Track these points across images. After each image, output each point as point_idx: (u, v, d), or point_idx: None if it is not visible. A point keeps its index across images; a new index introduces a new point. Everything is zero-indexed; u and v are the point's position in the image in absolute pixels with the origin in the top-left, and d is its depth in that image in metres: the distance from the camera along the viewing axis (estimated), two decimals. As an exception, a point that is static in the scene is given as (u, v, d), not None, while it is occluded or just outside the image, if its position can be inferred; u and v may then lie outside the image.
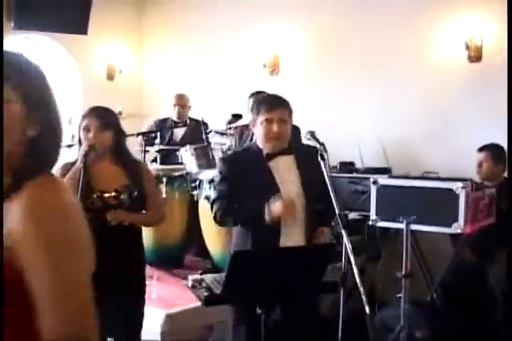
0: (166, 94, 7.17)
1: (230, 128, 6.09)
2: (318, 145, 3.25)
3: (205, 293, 3.05)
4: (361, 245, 5.36)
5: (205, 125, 6.25)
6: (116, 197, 3.30)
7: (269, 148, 3.37)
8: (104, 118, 3.40)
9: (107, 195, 3.29)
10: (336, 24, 6.75)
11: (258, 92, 5.58)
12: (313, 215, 3.39)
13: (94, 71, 8.23)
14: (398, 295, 3.85)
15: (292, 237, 3.34)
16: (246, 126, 5.37)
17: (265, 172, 3.31)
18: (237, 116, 6.40)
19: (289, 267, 2.92)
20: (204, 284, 3.16)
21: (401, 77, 6.30)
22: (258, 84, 6.55)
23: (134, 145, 5.43)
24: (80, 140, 3.43)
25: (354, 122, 6.56)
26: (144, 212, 3.52)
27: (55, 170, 3.03)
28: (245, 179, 3.29)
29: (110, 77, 8.39)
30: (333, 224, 3.67)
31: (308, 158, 3.33)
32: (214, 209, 3.37)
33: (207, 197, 5.27)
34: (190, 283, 3.21)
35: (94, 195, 3.28)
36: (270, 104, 3.33)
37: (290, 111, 3.42)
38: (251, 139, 5.45)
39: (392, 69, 6.34)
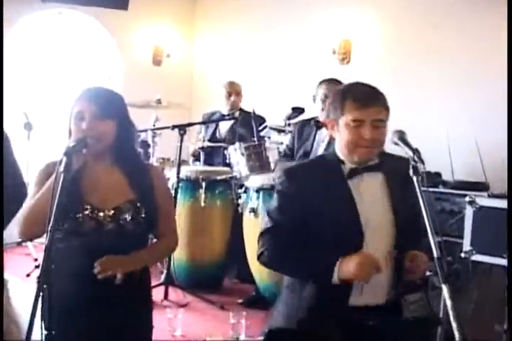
0: (218, 84, 6.39)
1: (289, 124, 5.40)
2: (410, 153, 2.29)
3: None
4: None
5: (260, 118, 5.31)
6: (114, 218, 2.37)
7: (355, 161, 2.46)
8: (104, 102, 2.42)
9: (101, 213, 2.38)
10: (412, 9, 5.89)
11: (331, 80, 4.61)
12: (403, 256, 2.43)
13: (137, 54, 7.58)
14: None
15: (369, 293, 2.40)
16: (308, 121, 4.72)
17: (344, 197, 2.43)
18: (298, 110, 5.63)
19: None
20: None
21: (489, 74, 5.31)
22: (325, 73, 5.61)
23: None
24: (70, 132, 2.45)
25: (438, 122, 5.55)
26: (151, 237, 2.57)
27: (37, 173, 2.42)
28: (315, 206, 2.39)
29: (156, 61, 7.67)
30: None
31: (399, 174, 2.44)
32: (261, 247, 2.46)
33: (253, 210, 4.47)
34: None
35: (86, 212, 2.35)
36: (362, 98, 2.40)
37: (387, 109, 2.45)
38: (313, 139, 4.66)
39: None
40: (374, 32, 6.29)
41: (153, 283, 4.56)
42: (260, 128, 5.40)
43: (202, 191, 4.89)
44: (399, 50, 6.06)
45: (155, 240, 2.58)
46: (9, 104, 6.39)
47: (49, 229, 2.02)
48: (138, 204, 2.40)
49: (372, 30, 6.29)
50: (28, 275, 5.31)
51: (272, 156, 4.97)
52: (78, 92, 2.44)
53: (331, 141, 4.53)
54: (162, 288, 4.75)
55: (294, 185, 2.45)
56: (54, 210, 2.05)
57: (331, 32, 6.48)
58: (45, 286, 1.97)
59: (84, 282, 2.29)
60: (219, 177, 5.03)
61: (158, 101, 5.40)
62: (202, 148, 5.51)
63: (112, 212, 2.36)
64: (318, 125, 4.61)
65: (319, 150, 4.59)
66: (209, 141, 5.67)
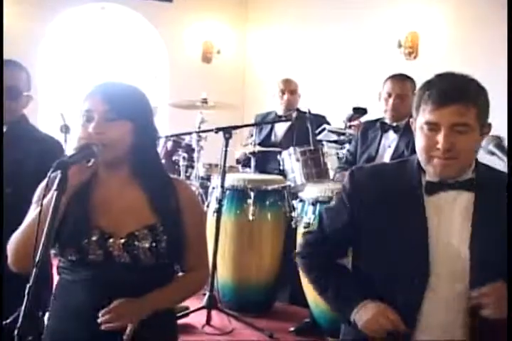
0: (272, 82, 6.04)
1: (350, 126, 4.93)
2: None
3: None
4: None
5: (319, 118, 4.85)
6: (128, 247, 1.92)
7: (432, 173, 1.97)
8: (118, 99, 1.95)
9: (112, 240, 1.92)
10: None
11: (396, 76, 4.22)
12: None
13: (186, 51, 7.22)
14: None
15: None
16: (373, 123, 4.33)
17: (414, 217, 1.97)
18: (360, 111, 5.06)
19: None
20: None
21: None
22: (390, 69, 5.12)
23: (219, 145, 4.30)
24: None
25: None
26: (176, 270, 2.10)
27: (38, 188, 1.99)
28: (373, 221, 2.01)
29: (206, 58, 7.27)
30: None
31: (496, 195, 1.94)
32: (301, 247, 2.26)
33: (308, 225, 3.91)
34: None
35: (93, 238, 1.90)
36: (440, 94, 1.88)
37: (479, 109, 1.88)
38: (378, 143, 4.25)
39: None
40: (440, 24, 5.87)
41: (194, 306, 4.14)
42: (318, 130, 4.91)
43: (250, 202, 4.34)
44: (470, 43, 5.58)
45: (180, 273, 2.09)
46: (46, 105, 6.03)
47: (35, 263, 1.59)
48: (159, 231, 1.93)
49: (439, 22, 5.88)
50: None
51: (331, 163, 4.57)
52: (89, 87, 1.97)
53: (399, 145, 4.08)
54: (204, 312, 4.24)
55: (356, 190, 2.08)
56: (43, 239, 1.61)
57: (396, 24, 6.06)
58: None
59: (89, 325, 1.84)
60: (270, 187, 4.46)
61: (204, 101, 4.88)
62: (253, 154, 5.01)
63: (125, 239, 1.90)
64: (385, 127, 4.19)
65: (385, 156, 4.18)
66: (262, 145, 5.18)
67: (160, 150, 5.12)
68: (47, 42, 6.07)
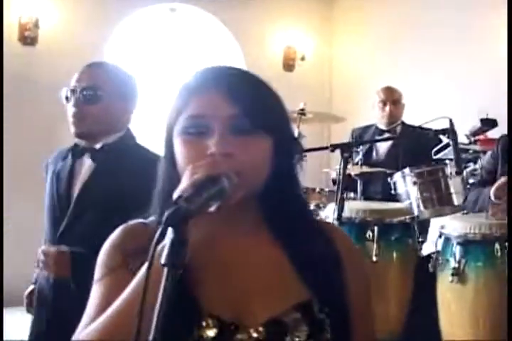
0: (362, 93, 5.83)
1: (475, 141, 4.47)
2: None
3: None
4: None
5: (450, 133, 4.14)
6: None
7: None
8: (249, 99, 1.20)
9: (240, 335, 1.14)
10: None
11: None
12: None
13: (265, 57, 6.70)
14: None
15: None
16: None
17: None
18: (488, 123, 4.54)
19: None
20: None
21: None
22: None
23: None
24: (172, 167, 1.27)
25: None
26: None
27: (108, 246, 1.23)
28: None
29: (288, 66, 6.71)
30: None
31: None
32: None
33: (456, 272, 3.03)
34: None
35: (208, 333, 1.13)
36: None
37: None
38: None
39: None
40: None
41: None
42: (438, 147, 4.22)
43: (374, 239, 3.53)
44: None
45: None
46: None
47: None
48: (315, 312, 1.20)
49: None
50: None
51: (455, 186, 3.80)
52: (186, 78, 1.24)
53: None
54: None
55: None
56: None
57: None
58: None
59: None
60: (396, 220, 3.61)
61: (302, 112, 4.08)
62: (360, 175, 4.30)
63: (264, 331, 1.16)
64: None
65: None
66: (366, 164, 4.51)
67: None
68: (113, 46, 5.72)
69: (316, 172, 4.67)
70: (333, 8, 7.12)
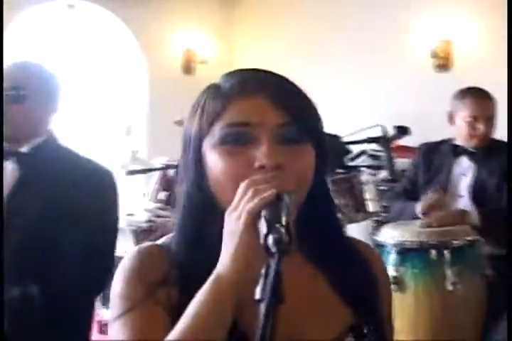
0: None
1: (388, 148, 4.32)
2: None
3: None
4: None
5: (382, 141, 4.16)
6: None
7: None
8: (296, 105, 1.09)
9: None
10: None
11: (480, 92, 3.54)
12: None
13: (165, 59, 6.52)
14: None
15: None
16: (437, 146, 3.68)
17: None
18: (402, 130, 4.42)
19: None
20: None
21: None
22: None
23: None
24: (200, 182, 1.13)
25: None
26: None
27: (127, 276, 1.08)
28: None
29: (188, 69, 6.56)
30: None
31: None
32: None
33: (395, 281, 2.92)
34: None
35: None
36: None
37: None
38: (448, 171, 3.57)
39: None
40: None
41: None
42: (355, 154, 4.36)
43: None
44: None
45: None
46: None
47: None
48: (365, 332, 1.15)
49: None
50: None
51: (369, 192, 3.91)
52: (215, 81, 1.14)
53: (479, 174, 3.43)
54: None
55: None
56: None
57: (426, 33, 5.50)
58: None
59: None
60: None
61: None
62: None
63: None
64: (457, 152, 3.53)
65: (460, 185, 3.49)
66: None
67: (157, 179, 4.20)
68: (6, 45, 5.27)
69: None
70: (235, 10, 6.99)
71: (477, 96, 3.46)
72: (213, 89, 1.08)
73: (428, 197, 3.24)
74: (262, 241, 0.85)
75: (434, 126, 4.42)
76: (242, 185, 0.95)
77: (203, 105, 1.07)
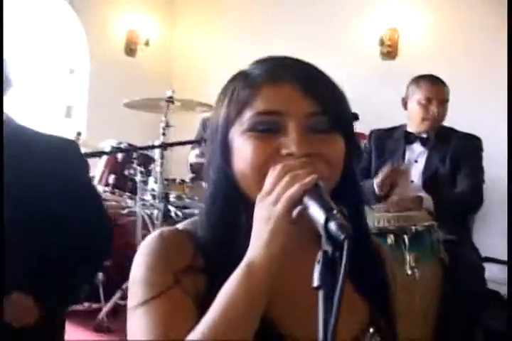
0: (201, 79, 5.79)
1: None
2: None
3: None
4: None
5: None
6: None
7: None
8: (326, 94, 1.06)
9: None
10: None
11: (433, 78, 3.61)
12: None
13: (108, 40, 6.22)
14: None
15: None
16: (390, 133, 3.72)
17: None
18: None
19: None
20: None
21: None
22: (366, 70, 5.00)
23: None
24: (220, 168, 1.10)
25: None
26: None
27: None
28: None
29: (131, 51, 6.32)
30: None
31: None
32: None
33: None
34: None
35: None
36: None
37: None
38: (402, 157, 3.61)
39: None
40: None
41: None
42: None
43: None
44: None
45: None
46: None
47: None
48: (382, 327, 1.14)
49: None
50: None
51: None
52: (244, 68, 1.11)
53: (431, 160, 3.48)
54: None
55: None
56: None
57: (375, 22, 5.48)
58: None
59: None
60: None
61: (170, 100, 3.82)
62: None
63: None
64: (409, 138, 3.57)
65: (412, 171, 3.53)
66: None
67: (105, 162, 4.07)
68: None
69: (180, 163, 4.46)
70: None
71: (432, 81, 3.52)
72: (242, 77, 1.05)
73: (384, 170, 3.26)
74: (320, 228, 0.82)
75: (381, 113, 4.45)
76: (277, 169, 0.92)
77: (231, 93, 1.04)
